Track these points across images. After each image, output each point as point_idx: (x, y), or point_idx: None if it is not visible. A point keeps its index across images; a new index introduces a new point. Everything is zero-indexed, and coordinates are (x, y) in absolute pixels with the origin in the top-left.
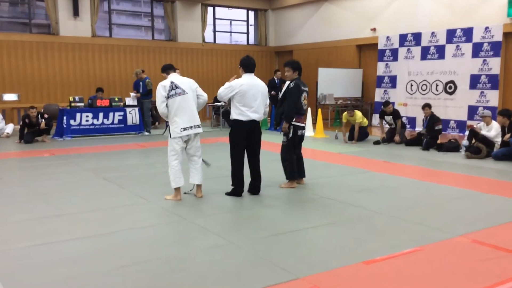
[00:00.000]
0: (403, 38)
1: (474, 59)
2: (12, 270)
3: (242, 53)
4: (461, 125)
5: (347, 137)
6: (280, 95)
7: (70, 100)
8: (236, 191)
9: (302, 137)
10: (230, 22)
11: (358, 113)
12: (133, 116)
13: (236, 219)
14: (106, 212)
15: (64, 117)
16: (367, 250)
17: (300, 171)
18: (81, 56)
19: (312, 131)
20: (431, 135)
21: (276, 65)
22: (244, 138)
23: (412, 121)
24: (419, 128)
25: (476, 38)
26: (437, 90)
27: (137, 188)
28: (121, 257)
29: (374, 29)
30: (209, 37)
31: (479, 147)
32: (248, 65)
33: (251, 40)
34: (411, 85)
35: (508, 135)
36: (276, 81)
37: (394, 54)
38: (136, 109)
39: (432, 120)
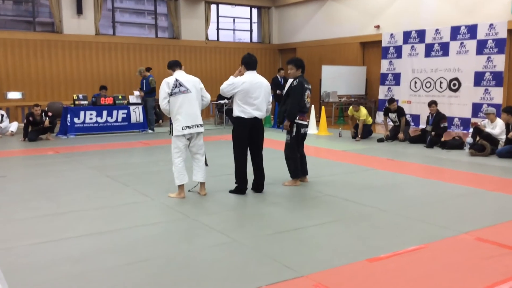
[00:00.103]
0: (407, 35)
1: (479, 56)
2: (17, 267)
3: (245, 50)
4: (465, 123)
5: (351, 135)
6: (284, 93)
7: (74, 98)
8: (240, 189)
9: (305, 135)
10: (234, 20)
11: (363, 110)
12: (136, 114)
13: (240, 216)
14: (110, 210)
15: (68, 115)
16: (371, 247)
17: (303, 169)
18: (85, 54)
19: (315, 129)
20: (436, 133)
21: (280, 62)
22: (247, 136)
23: (416, 118)
24: (423, 125)
25: (481, 35)
26: (441, 88)
27: (141, 186)
28: (125, 255)
29: (377, 26)
30: (212, 35)
31: (483, 145)
32: (249, 63)
33: (255, 37)
34: (415, 83)
35: None
36: (280, 79)
37: (398, 51)
38: (140, 107)
39: (438, 118)
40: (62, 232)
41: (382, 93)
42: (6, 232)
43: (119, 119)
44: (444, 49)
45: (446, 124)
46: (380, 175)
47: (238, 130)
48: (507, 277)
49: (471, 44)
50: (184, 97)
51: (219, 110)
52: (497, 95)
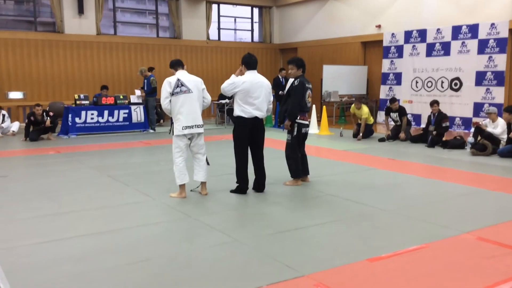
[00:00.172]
0: (408, 34)
1: (480, 55)
2: (18, 267)
3: (246, 50)
4: (466, 122)
5: (353, 134)
6: (284, 92)
7: (75, 98)
8: (241, 189)
9: (306, 134)
10: (235, 20)
11: (365, 108)
12: (138, 114)
13: (241, 216)
14: (111, 209)
15: (69, 115)
16: (372, 247)
17: (304, 169)
18: (86, 54)
19: (316, 128)
20: (438, 132)
21: (281, 62)
22: (247, 135)
23: (417, 118)
24: (424, 125)
25: (482, 34)
26: (442, 87)
27: (142, 185)
28: (126, 255)
29: (379, 26)
30: (213, 35)
31: (485, 144)
32: (250, 63)
33: (256, 37)
34: (416, 82)
35: None
36: (281, 79)
37: (399, 51)
38: (141, 106)
39: (439, 117)
40: (63, 232)
41: (383, 92)
42: (8, 232)
43: (120, 119)
44: (446, 48)
45: (447, 124)
46: (381, 175)
47: (239, 130)
48: (509, 277)
49: (473, 44)
50: (186, 97)
51: (220, 109)
52: (499, 94)
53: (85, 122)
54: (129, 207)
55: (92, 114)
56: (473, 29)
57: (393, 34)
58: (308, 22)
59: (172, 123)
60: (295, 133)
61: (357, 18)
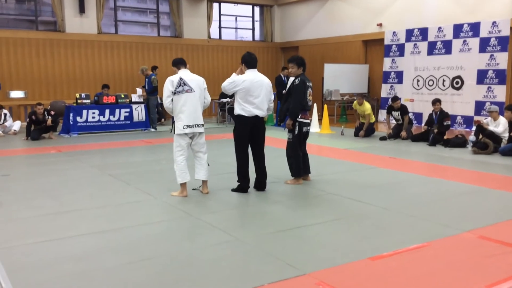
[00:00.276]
0: (409, 33)
1: (481, 54)
2: (19, 266)
3: (247, 49)
4: (468, 121)
5: (354, 132)
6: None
7: (77, 97)
8: (242, 187)
9: (307, 133)
10: (236, 18)
11: (367, 104)
12: (139, 113)
13: (242, 215)
14: (113, 208)
15: (71, 114)
16: (373, 246)
17: (305, 168)
18: (87, 53)
19: (318, 127)
20: (439, 131)
21: (282, 61)
22: (248, 134)
23: (418, 116)
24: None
25: (483, 33)
26: (444, 86)
27: (143, 184)
28: (127, 254)
29: (380, 25)
30: (214, 33)
31: (486, 143)
32: (249, 61)
33: (257, 36)
34: (418, 81)
35: None
36: (283, 78)
37: (401, 49)
38: (142, 105)
39: (441, 116)
40: (64, 230)
41: (385, 91)
42: (9, 231)
43: (122, 118)
44: (447, 47)
45: (449, 123)
46: (383, 174)
47: (239, 128)
48: (510, 275)
49: (474, 42)
50: (188, 96)
51: (221, 108)
52: (500, 93)
53: (86, 121)
54: (130, 206)
55: (93, 113)
56: (475, 28)
57: (394, 32)
58: (309, 20)
59: (173, 122)
60: (296, 132)
61: (358, 16)
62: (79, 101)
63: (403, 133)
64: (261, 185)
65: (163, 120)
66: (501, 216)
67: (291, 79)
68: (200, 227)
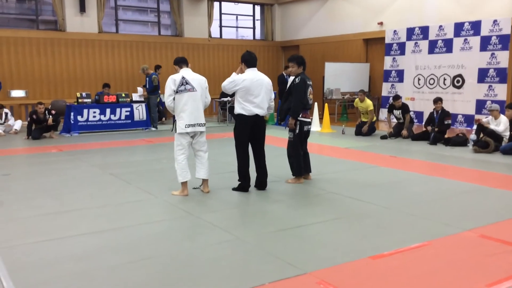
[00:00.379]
0: (410, 32)
1: (482, 52)
2: (20, 265)
3: (248, 48)
4: (469, 119)
5: (355, 131)
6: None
7: (77, 96)
8: (243, 186)
9: (308, 132)
10: (236, 17)
11: (369, 101)
12: (140, 112)
13: (243, 214)
14: (113, 208)
15: (71, 113)
16: (374, 245)
17: (306, 167)
18: (88, 52)
19: (318, 126)
20: (440, 129)
21: (282, 60)
22: (248, 133)
23: (419, 115)
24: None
25: (484, 31)
26: (444, 84)
27: (144, 183)
28: (128, 253)
29: (381, 23)
30: (215, 32)
31: (487, 141)
32: (249, 60)
33: (257, 35)
34: (419, 79)
35: None
36: (286, 77)
37: (401, 48)
38: (143, 104)
39: (442, 115)
40: (65, 230)
41: (386, 90)
42: (10, 230)
43: (122, 117)
44: (448, 45)
45: (450, 121)
46: (383, 172)
47: (240, 128)
48: (511, 274)
49: (475, 41)
50: (189, 96)
51: (222, 107)
52: (501, 91)
53: (87, 120)
54: (131, 205)
55: (94, 112)
56: (476, 26)
57: (395, 31)
58: (310, 19)
59: (174, 120)
60: (297, 131)
61: (359, 15)
62: (80, 100)
63: (404, 132)
64: (261, 184)
65: (164, 119)
66: (502, 215)
67: (291, 78)
68: (200, 226)
